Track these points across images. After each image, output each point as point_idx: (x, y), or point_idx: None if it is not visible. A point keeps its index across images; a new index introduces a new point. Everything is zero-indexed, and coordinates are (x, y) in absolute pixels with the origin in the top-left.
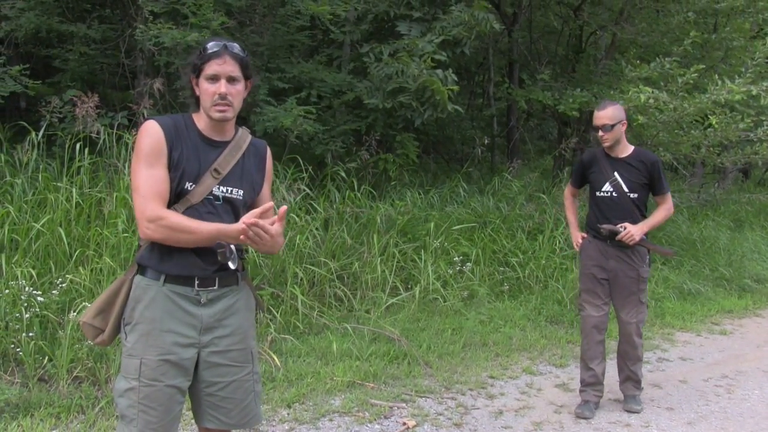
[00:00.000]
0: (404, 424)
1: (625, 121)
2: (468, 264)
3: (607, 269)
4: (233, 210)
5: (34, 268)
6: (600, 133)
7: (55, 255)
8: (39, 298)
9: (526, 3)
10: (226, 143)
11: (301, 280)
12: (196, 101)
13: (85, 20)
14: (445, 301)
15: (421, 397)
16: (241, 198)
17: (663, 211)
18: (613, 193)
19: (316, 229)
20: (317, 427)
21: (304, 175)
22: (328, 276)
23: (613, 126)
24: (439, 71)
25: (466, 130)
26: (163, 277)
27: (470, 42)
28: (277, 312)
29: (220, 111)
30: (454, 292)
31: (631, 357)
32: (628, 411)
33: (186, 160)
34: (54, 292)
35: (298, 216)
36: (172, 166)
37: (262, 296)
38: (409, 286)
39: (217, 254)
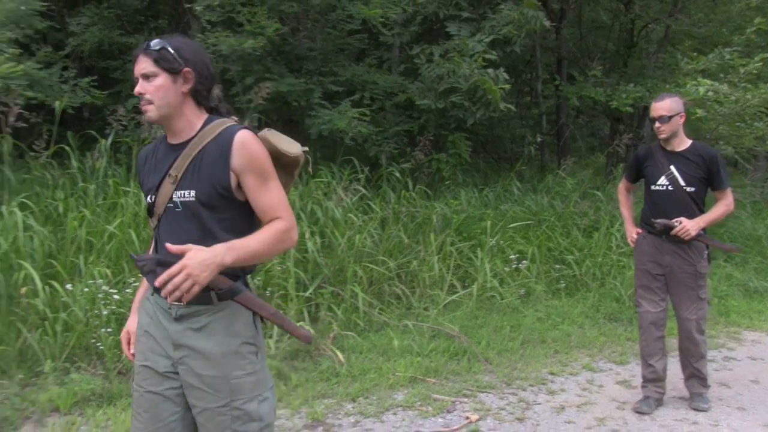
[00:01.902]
0: (467, 418)
1: (683, 114)
2: (524, 262)
3: (662, 265)
4: (194, 215)
5: (108, 268)
6: (657, 124)
7: (126, 255)
8: (115, 296)
9: None
10: (186, 143)
11: (361, 278)
12: None
13: (142, 32)
14: (502, 299)
15: (483, 392)
16: (193, 199)
17: (722, 206)
18: (669, 187)
19: (374, 228)
20: (382, 421)
21: (360, 176)
22: (387, 274)
23: (670, 118)
24: (490, 70)
25: (515, 129)
26: (151, 288)
27: (520, 40)
28: (338, 309)
29: (144, 111)
30: (511, 289)
31: (693, 354)
32: (695, 409)
33: (147, 175)
34: (128, 290)
35: (355, 216)
36: (142, 186)
37: (323, 295)
38: (467, 284)
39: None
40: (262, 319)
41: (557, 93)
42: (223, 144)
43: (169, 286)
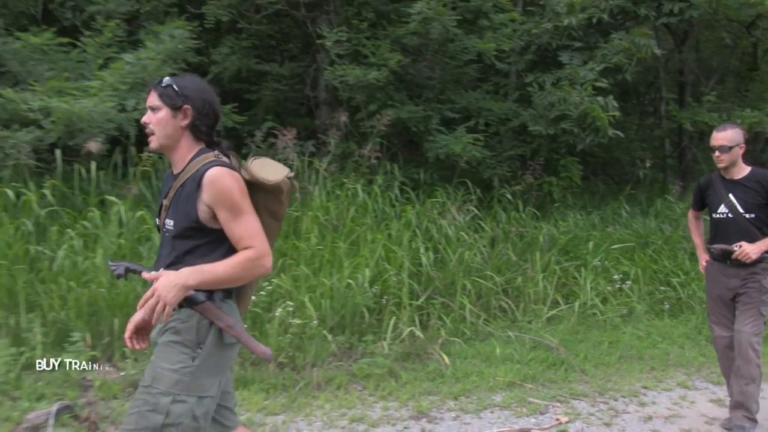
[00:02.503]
0: (558, 419)
1: (743, 145)
2: (628, 282)
3: (729, 288)
4: (172, 241)
5: None
6: (717, 153)
7: None
8: (252, 298)
9: (696, 21)
10: (179, 175)
11: (470, 291)
12: None
13: (276, 60)
14: (603, 316)
15: (576, 399)
16: (172, 228)
17: None
18: (729, 214)
19: (484, 246)
20: (480, 417)
21: (473, 197)
22: (494, 289)
23: (731, 148)
24: (600, 98)
25: (635, 151)
26: None
27: (631, 68)
28: (447, 318)
29: (149, 141)
30: (613, 308)
31: (743, 374)
32: None
33: (160, 198)
34: (262, 293)
35: (467, 234)
36: None
37: (434, 305)
38: (570, 301)
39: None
40: (221, 335)
41: (671, 118)
42: (196, 180)
43: (147, 310)
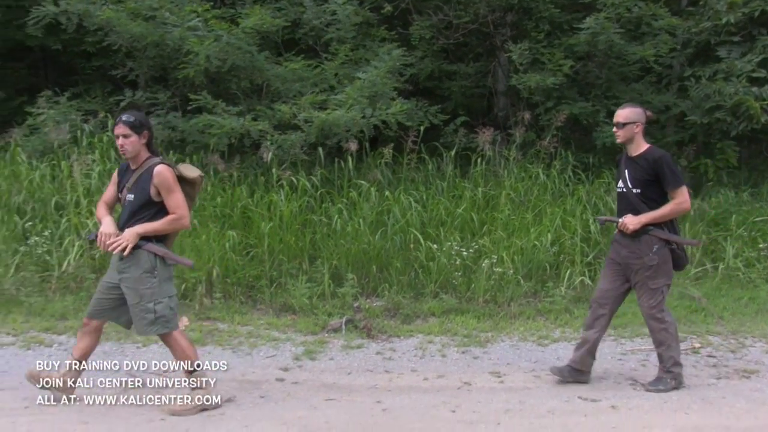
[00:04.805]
0: (692, 345)
1: (639, 124)
2: None
3: (621, 255)
4: (131, 208)
5: (460, 235)
6: (615, 129)
7: (469, 228)
8: (463, 253)
9: None
10: (136, 170)
11: None
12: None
13: (463, 60)
14: (745, 276)
15: (710, 335)
16: (132, 200)
17: (671, 204)
18: (623, 189)
19: None
20: (632, 340)
21: None
22: None
23: (625, 125)
24: (755, 89)
25: None
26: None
27: None
28: None
29: (123, 153)
30: (756, 270)
31: (654, 341)
32: (647, 390)
33: (120, 179)
34: (471, 250)
35: None
36: (118, 186)
37: (600, 263)
38: (716, 264)
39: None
40: (163, 259)
41: None
42: (150, 172)
43: (115, 244)
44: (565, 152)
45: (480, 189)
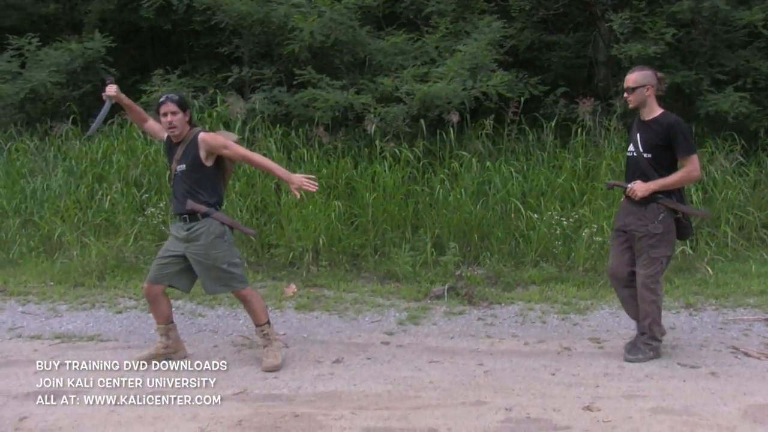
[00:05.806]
0: None
1: (650, 87)
2: None
3: (625, 223)
4: (184, 178)
5: (560, 205)
6: (625, 94)
7: (569, 198)
8: (563, 222)
9: None
10: (182, 142)
11: (732, 223)
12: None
13: (563, 31)
14: None
15: None
16: (185, 169)
17: (681, 172)
18: (634, 153)
19: (747, 187)
20: (734, 311)
21: (738, 146)
22: (754, 222)
23: (635, 89)
24: None
25: None
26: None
27: None
28: (712, 243)
29: (172, 131)
30: None
31: (641, 311)
32: (626, 359)
33: (168, 153)
34: (571, 220)
35: (731, 178)
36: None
37: (702, 233)
38: None
39: None
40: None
41: None
42: (194, 141)
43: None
44: None
45: (580, 159)
